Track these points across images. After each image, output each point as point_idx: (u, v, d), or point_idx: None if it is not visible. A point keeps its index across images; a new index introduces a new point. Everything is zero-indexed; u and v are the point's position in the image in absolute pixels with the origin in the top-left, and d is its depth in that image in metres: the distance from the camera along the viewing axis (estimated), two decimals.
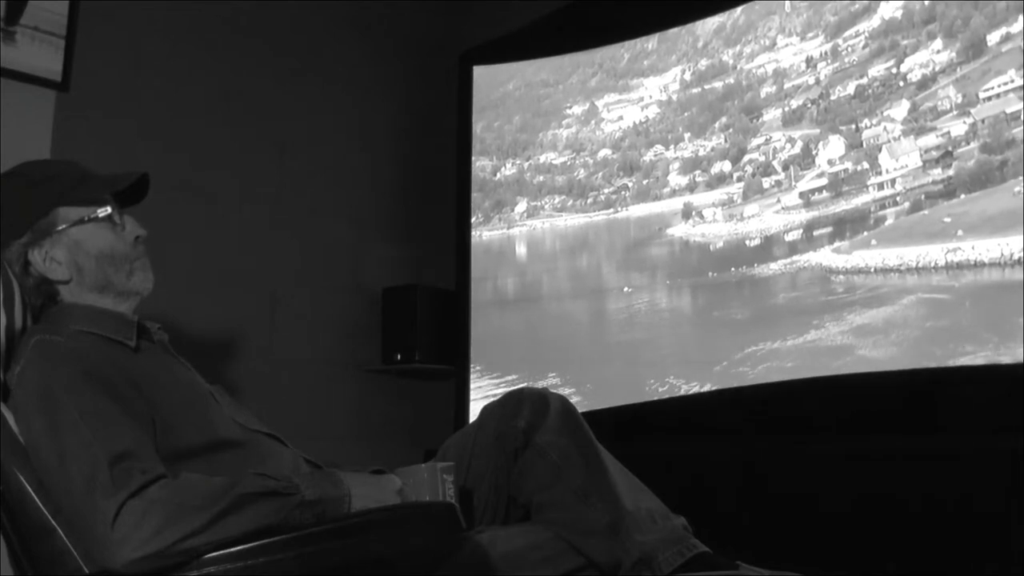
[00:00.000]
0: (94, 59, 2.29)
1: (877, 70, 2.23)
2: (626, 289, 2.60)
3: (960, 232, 1.98)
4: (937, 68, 2.11)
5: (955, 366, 1.94)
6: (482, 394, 2.69)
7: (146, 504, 1.07)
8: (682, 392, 2.35)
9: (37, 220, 1.32)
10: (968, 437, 1.85)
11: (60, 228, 1.32)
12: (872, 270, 2.13)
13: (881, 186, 2.16)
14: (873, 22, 2.27)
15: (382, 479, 1.27)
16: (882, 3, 2.25)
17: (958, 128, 2.04)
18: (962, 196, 1.99)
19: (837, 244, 2.22)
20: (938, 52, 2.12)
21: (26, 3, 2.19)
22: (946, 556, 1.79)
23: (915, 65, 2.16)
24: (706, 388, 2.32)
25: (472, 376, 2.73)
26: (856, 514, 1.92)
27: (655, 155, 2.66)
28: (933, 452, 1.86)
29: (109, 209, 1.34)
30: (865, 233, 2.17)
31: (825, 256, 2.23)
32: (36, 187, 1.34)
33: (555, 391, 1.48)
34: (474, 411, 2.66)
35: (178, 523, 1.06)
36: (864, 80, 2.25)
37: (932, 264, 2.02)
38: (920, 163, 2.09)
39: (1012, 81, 1.95)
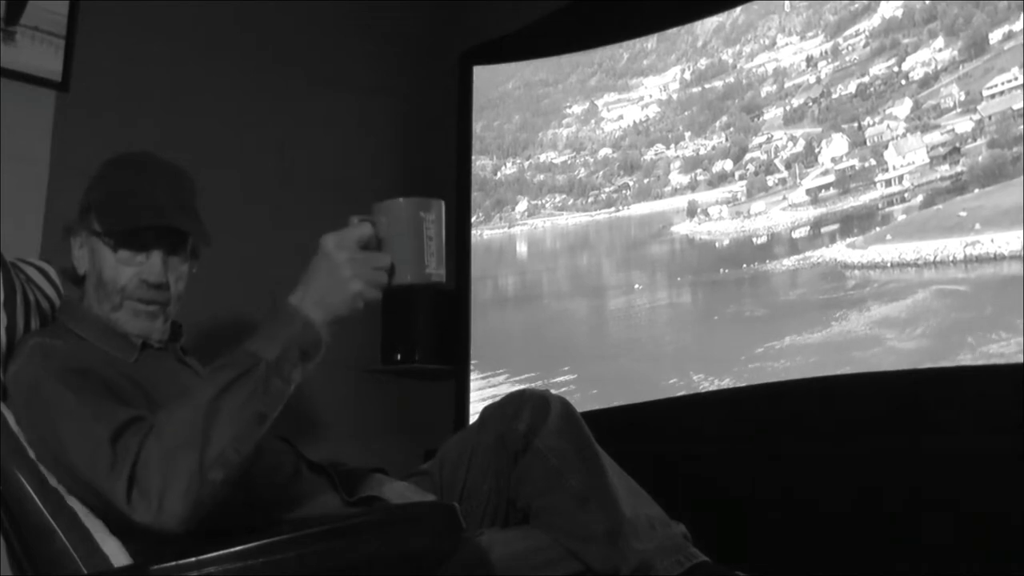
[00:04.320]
0: (94, 59, 2.28)
1: (878, 68, 2.23)
2: (637, 287, 2.60)
3: (977, 226, 1.98)
4: (939, 66, 2.11)
5: (956, 366, 1.93)
6: (482, 394, 2.69)
7: (143, 468, 1.04)
8: (701, 389, 2.34)
9: (84, 213, 1.33)
10: (971, 437, 1.84)
11: (91, 231, 1.32)
12: (889, 264, 2.12)
13: (889, 183, 2.17)
14: (873, 21, 2.27)
15: (319, 255, 1.14)
16: (882, 2, 2.24)
17: (963, 125, 2.04)
18: (976, 191, 1.99)
19: (851, 239, 2.21)
20: (940, 50, 2.11)
21: (26, 3, 2.19)
22: (949, 557, 1.78)
23: (917, 63, 2.15)
24: (725, 384, 2.30)
25: (472, 376, 2.72)
26: (858, 521, 1.91)
27: (656, 154, 2.65)
28: (937, 454, 1.86)
29: (113, 241, 1.30)
30: (878, 228, 2.17)
31: (839, 251, 2.23)
32: (98, 183, 1.35)
33: (559, 392, 1.47)
34: (474, 411, 2.65)
35: (177, 468, 1.04)
36: (865, 79, 2.25)
37: (951, 258, 2.02)
38: (927, 160, 2.09)
39: (1016, 79, 1.95)
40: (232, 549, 1.08)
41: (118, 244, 1.30)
